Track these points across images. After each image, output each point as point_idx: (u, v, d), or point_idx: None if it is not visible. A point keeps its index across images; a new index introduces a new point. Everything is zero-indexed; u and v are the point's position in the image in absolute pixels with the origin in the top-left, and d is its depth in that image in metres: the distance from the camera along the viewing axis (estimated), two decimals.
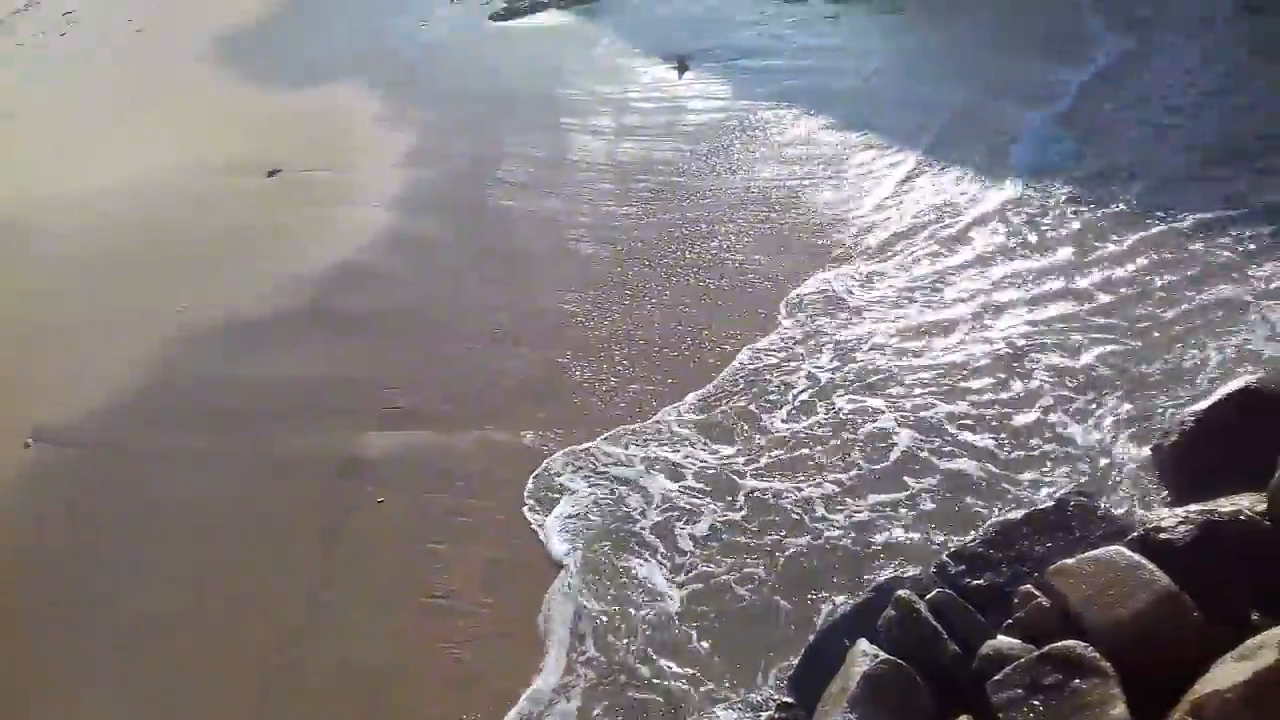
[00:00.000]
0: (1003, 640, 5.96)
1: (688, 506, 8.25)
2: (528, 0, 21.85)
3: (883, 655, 5.91)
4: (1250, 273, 9.78)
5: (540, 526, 8.27)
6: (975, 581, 6.59)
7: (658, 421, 9.23)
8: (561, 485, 8.68)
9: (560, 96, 17.12)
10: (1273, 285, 9.57)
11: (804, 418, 9.05)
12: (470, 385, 10.21)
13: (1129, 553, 5.96)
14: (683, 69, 17.26)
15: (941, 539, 7.48)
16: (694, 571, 7.65)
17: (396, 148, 16.17)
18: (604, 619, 7.34)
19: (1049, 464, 8.04)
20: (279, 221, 14.24)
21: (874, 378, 9.38)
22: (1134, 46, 15.28)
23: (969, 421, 8.64)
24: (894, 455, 8.45)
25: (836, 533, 7.77)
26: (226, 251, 13.63)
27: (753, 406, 9.28)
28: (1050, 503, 7.09)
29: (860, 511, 7.93)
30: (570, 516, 8.33)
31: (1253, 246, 10.17)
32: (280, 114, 18.51)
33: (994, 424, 8.55)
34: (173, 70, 22.50)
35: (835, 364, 9.67)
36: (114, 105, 20.90)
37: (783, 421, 9.04)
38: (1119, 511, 7.17)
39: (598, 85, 17.31)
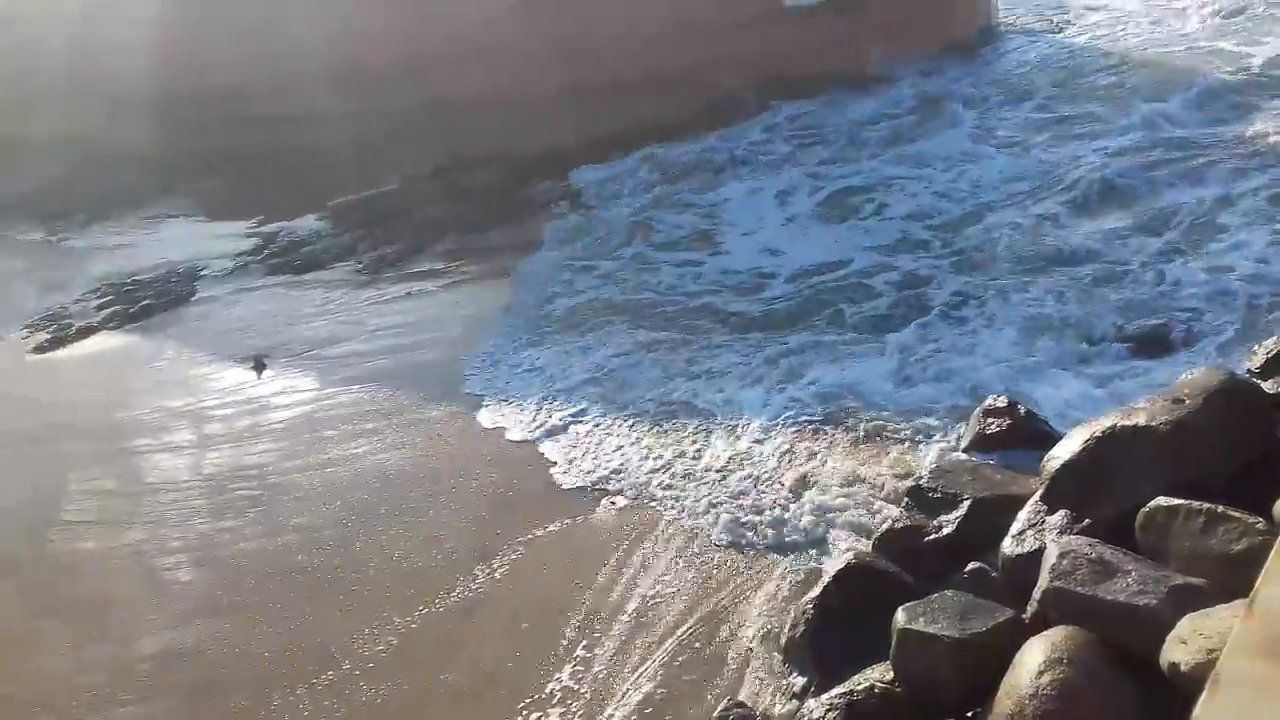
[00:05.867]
0: None
1: None
2: (74, 327, 20.29)
3: None
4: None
5: None
6: None
7: None
8: None
9: (126, 420, 15.75)
10: None
11: None
12: None
13: None
14: (260, 368, 16.72)
15: None
16: None
17: None
18: None
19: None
20: None
21: None
22: None
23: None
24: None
25: None
26: None
27: None
28: None
29: None
30: None
31: None
32: None
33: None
34: None
35: None
36: None
37: None
38: (778, 711, 7.40)
39: (168, 400, 16.19)
